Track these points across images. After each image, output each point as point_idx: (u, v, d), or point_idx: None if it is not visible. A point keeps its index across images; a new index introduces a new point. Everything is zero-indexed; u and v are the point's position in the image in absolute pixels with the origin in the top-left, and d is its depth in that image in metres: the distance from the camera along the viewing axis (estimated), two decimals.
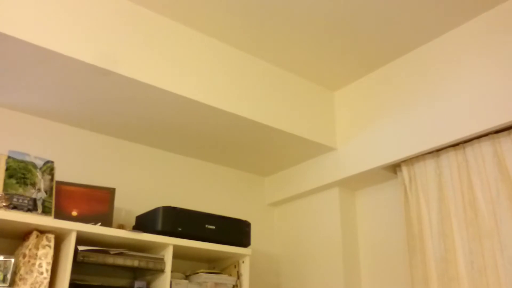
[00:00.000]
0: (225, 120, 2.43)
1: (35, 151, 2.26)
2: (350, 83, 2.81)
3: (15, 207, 1.86)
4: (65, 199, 2.12)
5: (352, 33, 2.36)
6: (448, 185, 2.25)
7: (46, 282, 1.85)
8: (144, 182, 2.66)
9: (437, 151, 2.32)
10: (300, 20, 2.27)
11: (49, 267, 1.87)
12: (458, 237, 2.15)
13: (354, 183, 2.74)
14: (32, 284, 1.83)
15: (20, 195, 1.89)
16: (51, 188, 2.01)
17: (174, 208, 2.26)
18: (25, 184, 1.93)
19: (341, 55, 2.54)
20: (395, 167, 2.54)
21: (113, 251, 2.06)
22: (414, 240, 2.31)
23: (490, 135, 2.13)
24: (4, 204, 1.84)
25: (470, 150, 2.20)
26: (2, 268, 1.81)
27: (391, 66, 2.59)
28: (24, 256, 1.87)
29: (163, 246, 2.21)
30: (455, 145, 2.26)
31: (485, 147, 2.15)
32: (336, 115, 2.84)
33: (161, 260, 2.17)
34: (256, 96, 2.49)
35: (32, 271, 1.85)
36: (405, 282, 2.41)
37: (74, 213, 2.11)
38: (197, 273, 2.35)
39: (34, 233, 1.90)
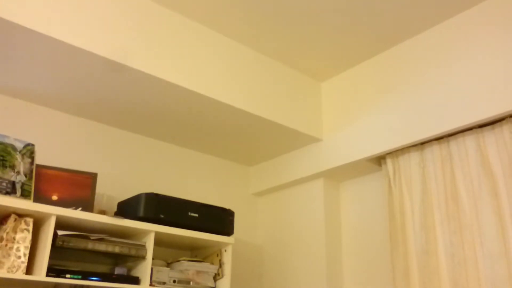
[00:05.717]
0: (210, 108, 2.40)
1: (15, 134, 2.21)
2: (337, 74, 2.80)
3: None
4: (45, 183, 2.08)
5: (340, 25, 2.34)
6: (431, 178, 2.27)
7: (23, 266, 1.82)
8: (126, 168, 2.63)
9: (422, 144, 2.33)
10: (289, 9, 2.24)
11: (27, 251, 1.84)
12: (439, 229, 2.17)
13: (338, 175, 2.74)
14: (9, 268, 1.79)
15: None
16: (31, 171, 1.96)
17: (156, 194, 2.24)
18: (4, 166, 1.88)
19: (328, 46, 2.52)
20: (380, 159, 2.54)
21: (93, 236, 2.03)
22: (397, 232, 2.33)
23: (474, 129, 2.14)
24: None
25: (454, 144, 2.22)
26: None
27: (378, 58, 2.58)
28: (1, 239, 1.83)
29: (145, 232, 2.18)
30: (439, 139, 2.27)
31: (469, 141, 2.16)
32: (322, 106, 2.83)
33: (143, 247, 2.15)
34: (242, 84, 2.47)
35: (9, 254, 1.82)
36: (386, 273, 2.43)
37: (54, 197, 2.08)
38: (179, 260, 2.33)
39: (12, 217, 1.86)
